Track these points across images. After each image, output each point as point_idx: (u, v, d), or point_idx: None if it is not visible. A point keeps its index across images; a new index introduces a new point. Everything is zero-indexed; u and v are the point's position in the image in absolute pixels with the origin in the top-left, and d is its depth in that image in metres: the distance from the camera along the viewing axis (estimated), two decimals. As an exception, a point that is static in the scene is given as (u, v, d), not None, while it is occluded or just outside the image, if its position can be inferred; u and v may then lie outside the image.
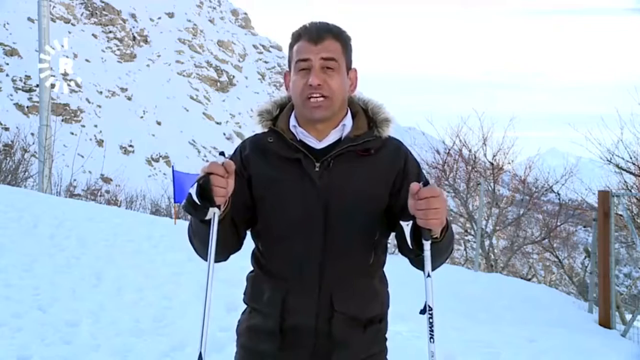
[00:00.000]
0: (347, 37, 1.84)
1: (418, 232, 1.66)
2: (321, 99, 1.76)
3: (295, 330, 1.79)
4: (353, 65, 1.87)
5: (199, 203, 1.62)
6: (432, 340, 1.69)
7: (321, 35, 1.78)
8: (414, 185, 1.62)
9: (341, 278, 1.80)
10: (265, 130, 1.86)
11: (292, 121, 1.84)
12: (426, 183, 1.62)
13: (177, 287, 5.77)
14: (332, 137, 1.83)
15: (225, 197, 1.64)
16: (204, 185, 1.59)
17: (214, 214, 1.64)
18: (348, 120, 1.85)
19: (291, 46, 1.83)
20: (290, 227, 1.79)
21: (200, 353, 1.63)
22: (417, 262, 1.78)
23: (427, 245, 1.65)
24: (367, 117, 1.88)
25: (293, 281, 1.79)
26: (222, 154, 1.64)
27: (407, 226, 1.66)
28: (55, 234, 7.17)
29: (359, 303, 1.83)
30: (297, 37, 1.81)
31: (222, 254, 1.78)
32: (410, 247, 1.68)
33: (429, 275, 1.68)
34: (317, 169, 1.79)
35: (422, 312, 1.71)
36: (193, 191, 1.62)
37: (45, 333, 4.29)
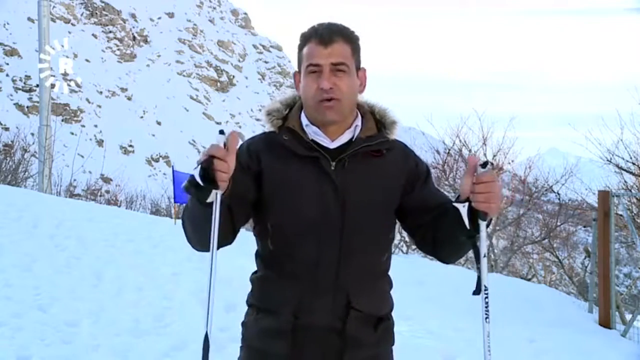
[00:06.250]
0: (356, 37, 1.86)
1: (471, 215, 1.69)
2: (332, 101, 1.78)
3: (308, 329, 1.79)
4: (362, 65, 1.88)
5: (202, 184, 1.59)
6: (487, 320, 1.75)
7: (331, 37, 1.79)
8: (473, 161, 1.66)
9: (357, 277, 1.81)
10: (274, 129, 1.86)
11: (304, 120, 1.85)
12: (485, 164, 1.64)
13: (177, 287, 5.76)
14: (344, 138, 1.85)
15: (227, 181, 1.61)
16: (207, 168, 1.57)
17: (216, 194, 1.61)
18: (359, 121, 1.87)
19: (300, 48, 1.84)
20: (306, 226, 1.79)
21: (207, 333, 1.63)
22: (452, 250, 1.84)
23: (483, 225, 1.69)
24: (375, 119, 1.90)
25: (308, 280, 1.79)
26: (222, 132, 1.62)
27: (463, 207, 1.68)
28: (55, 234, 7.16)
29: (373, 301, 1.86)
30: (306, 39, 1.82)
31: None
32: (468, 227, 1.70)
33: (485, 256, 1.72)
34: (333, 168, 1.80)
35: (476, 292, 1.74)
36: (196, 173, 1.60)
37: (45, 333, 4.29)
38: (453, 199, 1.81)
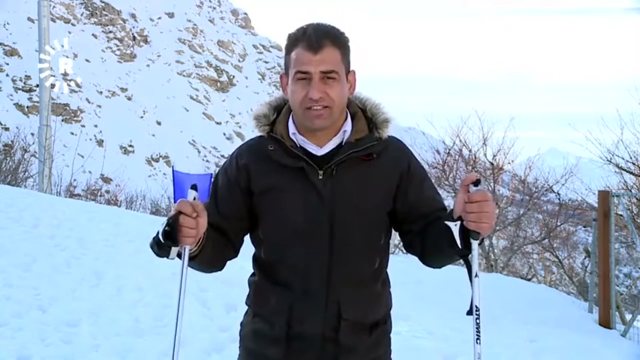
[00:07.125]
0: (345, 40, 1.78)
1: (462, 232, 1.65)
2: (322, 109, 1.73)
3: (301, 337, 1.78)
4: (352, 67, 1.83)
5: (162, 242, 1.61)
6: (478, 341, 1.66)
7: (320, 43, 1.71)
8: (467, 180, 1.63)
9: (348, 286, 1.78)
10: (263, 135, 1.83)
11: (291, 128, 1.80)
12: (477, 182, 1.61)
13: (176, 286, 5.76)
14: (332, 143, 1.80)
15: (195, 237, 1.62)
16: (172, 225, 1.58)
17: (184, 249, 1.63)
18: (348, 125, 1.81)
19: (288, 50, 1.77)
20: (295, 236, 1.76)
21: None
22: (439, 260, 1.82)
23: (475, 245, 1.65)
24: (366, 117, 1.84)
25: (299, 290, 1.77)
26: (194, 187, 1.62)
27: (455, 226, 1.65)
28: (55, 234, 7.16)
29: (365, 308, 1.82)
30: (294, 41, 1.75)
31: (215, 267, 1.85)
32: (460, 246, 1.66)
33: (476, 275, 1.67)
34: (320, 177, 1.76)
35: (469, 312, 1.68)
36: (160, 229, 1.61)
37: (45, 333, 4.29)
38: (448, 208, 1.77)
